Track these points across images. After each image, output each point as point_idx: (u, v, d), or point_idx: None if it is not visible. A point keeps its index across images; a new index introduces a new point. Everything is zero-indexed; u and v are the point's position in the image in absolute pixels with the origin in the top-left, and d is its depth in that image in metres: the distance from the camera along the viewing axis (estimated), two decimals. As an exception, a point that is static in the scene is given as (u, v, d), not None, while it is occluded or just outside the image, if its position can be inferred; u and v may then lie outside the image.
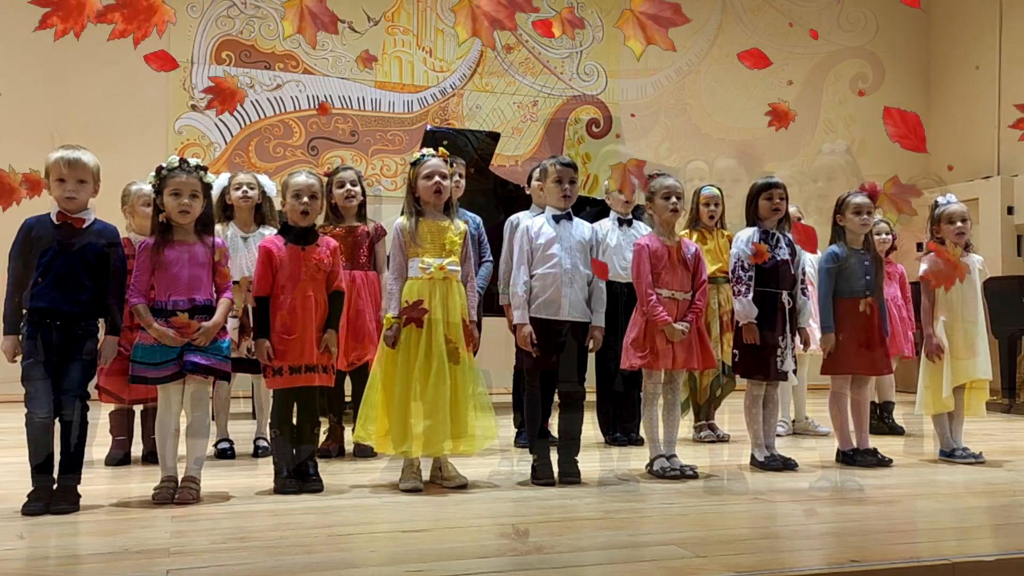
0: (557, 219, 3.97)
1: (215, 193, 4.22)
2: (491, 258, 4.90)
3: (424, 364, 3.63)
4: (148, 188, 4.31)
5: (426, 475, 3.79)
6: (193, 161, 3.50)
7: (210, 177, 3.54)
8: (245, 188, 4.61)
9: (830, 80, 8.56)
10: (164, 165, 3.47)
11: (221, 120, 8.10)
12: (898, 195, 2.63)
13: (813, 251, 3.17)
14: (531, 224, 3.99)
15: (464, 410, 3.66)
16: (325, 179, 4.69)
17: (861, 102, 8.27)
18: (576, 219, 4.02)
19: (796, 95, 8.52)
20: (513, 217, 4.77)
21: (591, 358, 4.02)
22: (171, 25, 2.40)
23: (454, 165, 4.00)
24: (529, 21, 8.74)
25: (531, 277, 3.89)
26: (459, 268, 3.78)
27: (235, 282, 3.93)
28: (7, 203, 2.79)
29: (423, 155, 3.80)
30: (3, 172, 2.82)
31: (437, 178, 3.74)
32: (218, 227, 4.34)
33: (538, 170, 4.20)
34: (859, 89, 8.38)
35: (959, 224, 4.51)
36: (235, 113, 8.14)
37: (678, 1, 2.13)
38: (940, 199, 4.62)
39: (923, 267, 4.55)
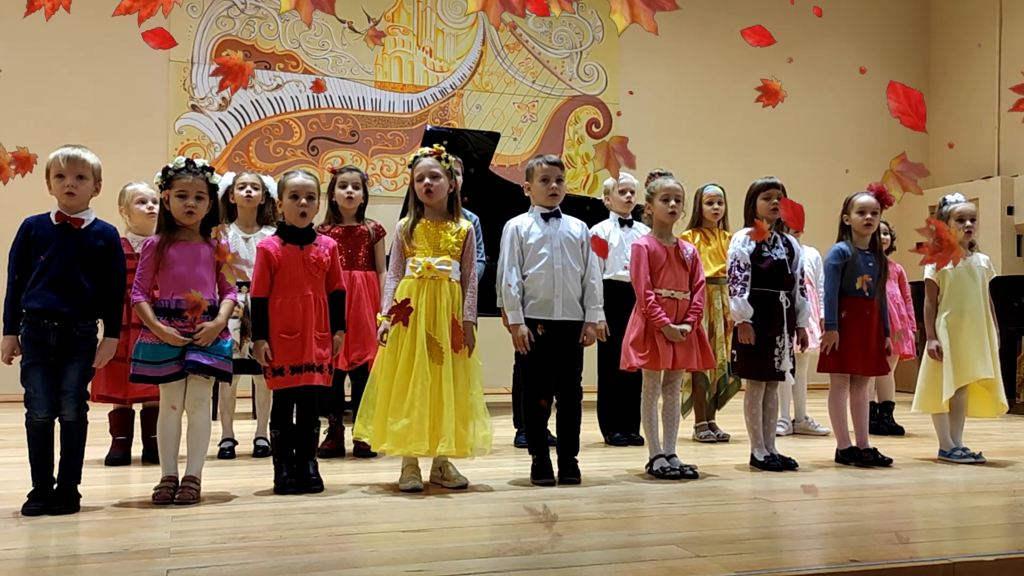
0: (546, 218, 3.96)
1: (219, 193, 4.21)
2: (483, 257, 4.85)
3: (407, 362, 3.63)
4: (143, 187, 4.33)
5: (426, 475, 3.79)
6: (200, 162, 3.49)
7: (216, 178, 3.54)
8: (249, 188, 4.62)
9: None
10: (171, 166, 3.46)
11: (221, 120, 8.10)
12: (904, 173, 2.53)
13: (800, 228, 3.17)
14: (520, 224, 3.97)
15: (447, 411, 3.60)
16: (330, 175, 4.70)
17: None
18: (565, 216, 4.00)
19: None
20: (511, 220, 4.74)
21: (593, 359, 3.99)
22: (171, 23, 2.35)
23: (453, 162, 3.96)
24: (530, 16, 8.86)
25: (523, 278, 3.89)
26: (451, 267, 3.74)
27: (239, 283, 3.92)
28: None
29: (416, 156, 3.79)
30: None
31: (427, 179, 3.73)
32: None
33: (525, 171, 4.15)
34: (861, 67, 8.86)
35: (968, 223, 4.51)
36: (235, 113, 8.14)
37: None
38: (948, 197, 4.60)
39: (928, 268, 4.55)
